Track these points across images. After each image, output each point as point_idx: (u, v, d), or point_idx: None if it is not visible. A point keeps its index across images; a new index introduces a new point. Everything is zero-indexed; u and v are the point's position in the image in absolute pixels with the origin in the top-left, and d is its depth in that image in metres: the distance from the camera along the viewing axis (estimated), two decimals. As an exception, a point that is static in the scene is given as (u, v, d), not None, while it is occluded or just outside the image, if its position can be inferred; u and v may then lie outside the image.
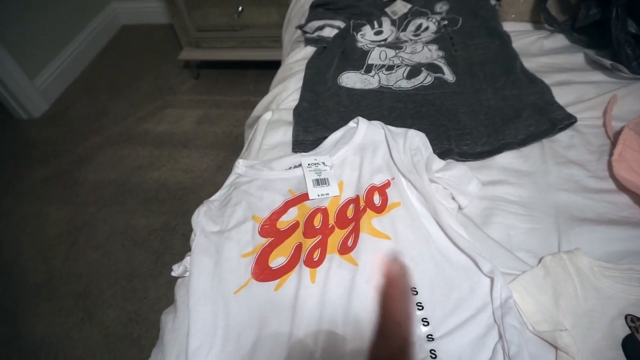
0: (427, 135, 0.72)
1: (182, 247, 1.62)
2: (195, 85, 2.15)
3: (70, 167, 1.87)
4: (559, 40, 0.88)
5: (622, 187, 0.64)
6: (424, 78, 0.83)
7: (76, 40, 2.33)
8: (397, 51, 0.90)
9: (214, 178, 1.72)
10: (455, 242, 0.59)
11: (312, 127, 0.78)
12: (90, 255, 1.55)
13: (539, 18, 0.91)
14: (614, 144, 0.69)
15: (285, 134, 0.80)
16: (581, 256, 0.56)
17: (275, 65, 1.34)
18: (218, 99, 2.04)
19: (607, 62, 0.77)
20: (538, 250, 0.59)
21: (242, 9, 1.83)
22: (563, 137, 0.72)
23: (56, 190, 1.79)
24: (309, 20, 1.04)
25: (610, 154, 0.68)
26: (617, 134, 0.70)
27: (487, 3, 0.96)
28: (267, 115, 0.85)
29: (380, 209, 0.65)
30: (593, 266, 0.56)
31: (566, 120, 0.71)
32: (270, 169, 0.74)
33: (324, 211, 0.66)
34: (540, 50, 0.87)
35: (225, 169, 1.74)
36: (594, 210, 0.62)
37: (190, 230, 0.72)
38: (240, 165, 0.77)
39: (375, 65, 0.88)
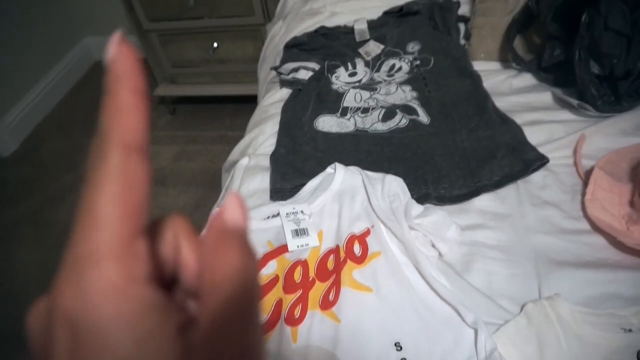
0: (404, 179, 0.72)
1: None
2: (172, 120, 2.13)
3: (42, 207, 1.81)
4: (527, 79, 0.91)
5: (596, 227, 0.65)
6: (399, 120, 0.84)
7: (48, 76, 2.30)
8: (372, 92, 0.91)
9: (191, 217, 1.67)
10: (437, 291, 0.59)
11: (289, 174, 0.77)
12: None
13: (507, 57, 0.93)
14: (585, 183, 0.71)
15: (262, 181, 0.80)
16: (562, 302, 0.56)
17: (252, 99, 1.34)
18: (195, 135, 2.03)
19: (574, 102, 0.79)
20: (519, 296, 0.59)
21: (217, 45, 1.84)
22: (537, 177, 0.73)
23: (27, 232, 1.73)
24: (283, 61, 1.05)
25: (583, 194, 0.69)
26: (588, 172, 0.72)
27: (457, 43, 0.99)
28: (244, 161, 0.85)
29: (360, 260, 0.64)
30: (574, 312, 0.56)
31: (539, 161, 0.72)
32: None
33: (304, 264, 0.65)
34: (510, 89, 0.90)
35: (203, 207, 1.71)
36: (572, 253, 0.63)
37: None
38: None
39: (351, 108, 0.88)
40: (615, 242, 0.62)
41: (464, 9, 1.09)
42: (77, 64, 2.47)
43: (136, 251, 0.15)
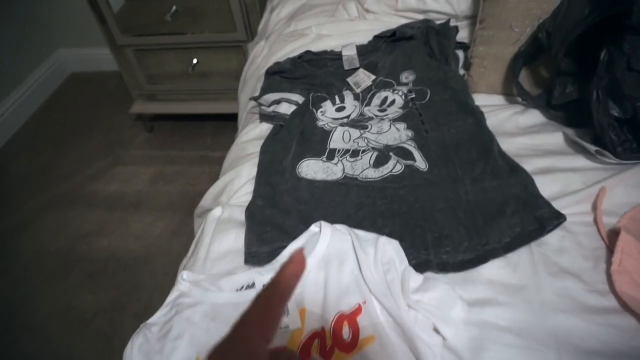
0: (401, 240, 0.62)
1: (133, 329, 1.45)
2: (149, 139, 2.01)
3: (6, 235, 1.68)
4: (535, 116, 0.81)
5: (626, 305, 0.56)
6: (393, 166, 0.74)
7: (19, 90, 2.16)
8: (362, 131, 0.81)
9: (168, 245, 1.57)
10: (442, 393, 0.49)
11: (267, 233, 0.67)
12: (24, 341, 1.36)
13: (512, 91, 0.84)
14: (608, 247, 0.61)
15: (236, 240, 0.69)
16: (593, 409, 0.47)
17: (234, 117, 1.24)
18: (173, 154, 1.91)
19: (592, 148, 0.70)
20: (541, 397, 0.49)
21: (198, 61, 1.73)
22: (552, 238, 0.63)
23: (-12, 263, 1.59)
24: (264, 90, 0.95)
25: (607, 262, 0.60)
26: (611, 233, 0.63)
27: (456, 74, 0.89)
28: (217, 212, 0.74)
29: (350, 347, 0.54)
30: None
31: (555, 220, 0.63)
32: (218, 290, 0.62)
33: (283, 352, 0.54)
34: (517, 128, 0.80)
35: (180, 234, 1.60)
36: (599, 339, 0.53)
37: (143, 307, 0.59)
38: (184, 279, 0.64)
39: (339, 151, 0.78)
40: (650, 326, 0.53)
41: (462, 35, 1.00)
42: (50, 77, 2.34)
43: None
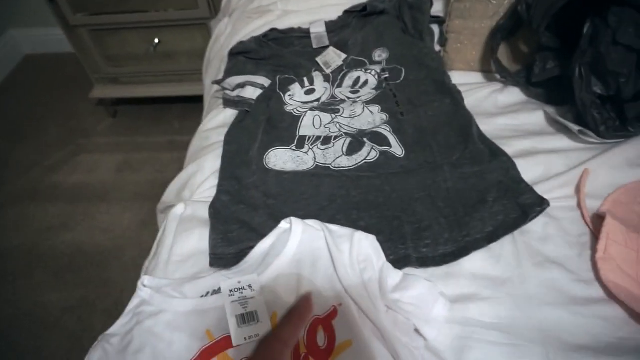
0: (378, 234, 0.58)
1: (103, 327, 1.38)
2: (113, 125, 1.90)
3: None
4: (515, 94, 0.77)
5: (611, 294, 0.53)
6: (368, 153, 0.69)
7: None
8: (334, 115, 0.76)
9: (138, 237, 1.50)
10: (426, 400, 0.45)
11: (233, 232, 0.61)
12: (-13, 349, 1.29)
13: (490, 68, 0.80)
14: (593, 232, 0.59)
15: (200, 240, 0.63)
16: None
17: (202, 99, 1.17)
18: (140, 141, 1.82)
19: (575, 128, 0.66)
20: (529, 398, 0.46)
21: (160, 41, 1.62)
22: (536, 226, 0.60)
23: None
24: (227, 72, 0.88)
25: (592, 249, 0.57)
26: (595, 218, 0.60)
27: (432, 50, 0.84)
28: (179, 209, 0.68)
29: (326, 354, 0.50)
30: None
31: (538, 207, 0.60)
32: (182, 296, 0.57)
33: (254, 364, 0.50)
34: (496, 108, 0.76)
35: (151, 224, 1.52)
36: (587, 332, 0.51)
37: (113, 304, 0.54)
38: (146, 285, 0.59)
39: (309, 138, 0.73)
40: (637, 316, 0.51)
41: (437, 8, 0.94)
42: (2, 59, 2.18)
43: None
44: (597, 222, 0.59)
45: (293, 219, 0.60)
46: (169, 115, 1.89)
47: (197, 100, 1.65)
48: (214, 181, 0.70)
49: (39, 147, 1.84)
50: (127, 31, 1.62)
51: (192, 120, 1.87)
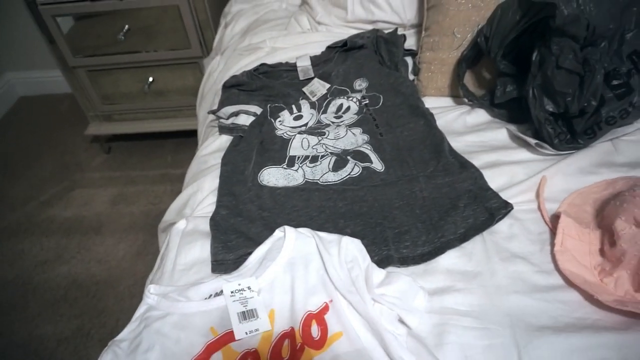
0: (362, 238, 0.65)
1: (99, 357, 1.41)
2: (107, 160, 1.96)
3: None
4: (481, 115, 0.87)
5: (569, 282, 0.60)
6: (352, 169, 0.77)
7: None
8: (320, 138, 0.84)
9: (133, 267, 1.54)
10: (410, 378, 0.51)
11: (232, 241, 0.68)
12: (-17, 381, 1.29)
13: (458, 93, 0.89)
14: (552, 230, 0.66)
15: (202, 250, 0.70)
16: (546, 379, 0.50)
17: (194, 134, 1.24)
18: (133, 175, 1.88)
19: (532, 141, 0.75)
20: (500, 373, 0.53)
21: (154, 79, 1.72)
22: (502, 226, 0.68)
23: None
24: (221, 103, 0.96)
25: (552, 243, 0.64)
26: (554, 218, 0.68)
27: (406, 79, 0.94)
28: (181, 225, 0.74)
29: (319, 344, 0.56)
30: (561, 390, 0.50)
31: (503, 210, 0.67)
32: (187, 299, 0.62)
33: (255, 355, 0.56)
34: (465, 127, 0.85)
35: (145, 254, 1.57)
36: (548, 314, 0.57)
37: (109, 333, 0.58)
38: (152, 293, 0.64)
39: (298, 157, 0.80)
40: (591, 298, 0.58)
41: (410, 42, 1.05)
42: (-2, 101, 2.25)
43: None
44: (554, 221, 0.67)
45: (286, 227, 0.66)
46: (162, 150, 1.96)
47: (188, 135, 1.73)
48: (212, 198, 0.77)
49: (34, 183, 1.89)
50: (121, 70, 1.71)
51: (184, 154, 1.95)
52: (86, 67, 1.70)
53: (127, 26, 1.57)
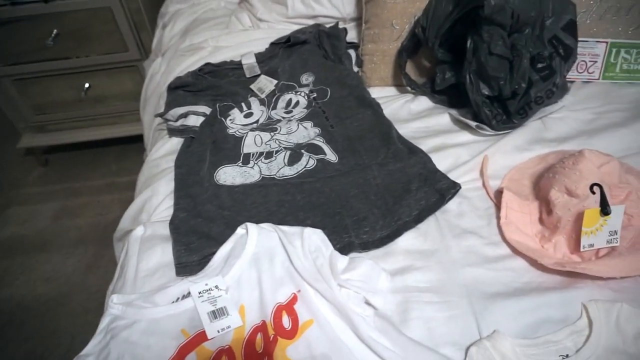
0: (323, 228, 0.67)
1: (56, 379, 1.34)
2: (45, 173, 1.86)
3: None
4: (424, 102, 0.92)
5: (515, 251, 0.66)
6: (307, 162, 0.79)
7: None
8: (273, 133, 0.85)
9: (84, 282, 1.47)
10: (380, 355, 0.54)
11: (194, 243, 0.68)
12: None
13: (401, 82, 0.93)
14: (497, 205, 0.72)
15: (163, 254, 0.69)
16: (502, 339, 0.55)
17: (138, 139, 1.20)
18: (76, 186, 1.79)
19: (473, 124, 0.81)
20: (461, 340, 0.57)
21: (90, 85, 1.64)
22: (452, 205, 0.72)
23: None
24: (168, 106, 0.94)
25: (498, 217, 0.70)
26: (497, 193, 0.73)
27: (351, 71, 0.97)
28: (138, 231, 0.73)
29: (292, 334, 0.57)
30: (515, 347, 0.55)
31: (452, 189, 0.72)
32: (154, 305, 0.62)
33: (229, 351, 0.56)
34: (410, 114, 0.90)
35: (97, 267, 1.50)
36: (499, 282, 0.62)
37: (65, 352, 0.57)
38: (115, 302, 0.63)
39: (253, 154, 0.81)
40: (535, 263, 0.63)
41: (352, 35, 1.08)
42: None
43: None
44: (498, 197, 0.72)
45: (248, 224, 0.67)
46: (105, 159, 1.88)
47: (132, 141, 1.68)
48: (169, 202, 0.76)
49: (-37, 205, 1.75)
50: (53, 78, 1.61)
51: (129, 160, 1.89)
52: (11, 76, 1.59)
53: (55, 30, 1.49)
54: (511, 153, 0.79)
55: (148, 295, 0.63)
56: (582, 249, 0.62)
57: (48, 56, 1.53)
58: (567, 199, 0.64)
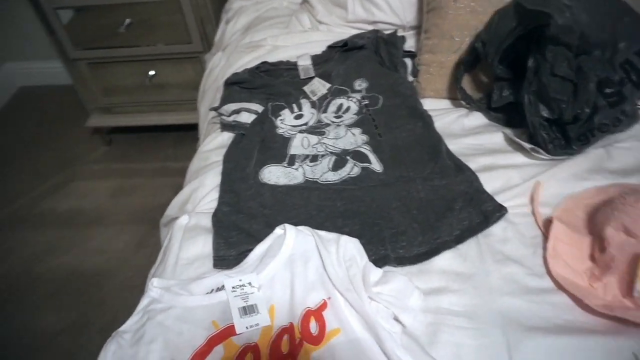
0: (360, 238, 0.67)
1: (99, 346, 1.42)
2: (108, 152, 1.97)
3: None
4: (478, 118, 0.89)
5: (560, 285, 0.62)
6: (351, 169, 0.79)
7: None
8: (320, 137, 0.86)
9: (133, 258, 1.55)
10: (404, 374, 0.53)
11: (234, 238, 0.70)
12: (-17, 368, 1.31)
13: (456, 95, 0.91)
14: (545, 235, 0.68)
15: (204, 245, 0.71)
16: (534, 377, 0.53)
17: (194, 127, 1.26)
18: (134, 167, 1.89)
19: (527, 146, 0.77)
20: (490, 371, 0.55)
21: (155, 73, 1.72)
22: (497, 229, 0.70)
23: None
24: (223, 101, 0.97)
25: (544, 247, 0.66)
26: (547, 222, 0.70)
27: (406, 80, 0.95)
28: (183, 220, 0.76)
29: (318, 340, 0.58)
30: (547, 387, 0.52)
31: (498, 213, 0.69)
32: (189, 293, 0.64)
33: (255, 348, 0.58)
34: (462, 130, 0.87)
35: (145, 246, 1.58)
36: (538, 316, 0.59)
37: (108, 323, 0.60)
38: (155, 286, 0.66)
39: (299, 156, 0.82)
40: (580, 302, 0.60)
41: (410, 43, 1.06)
42: (-3, 91, 2.25)
43: None
44: (547, 226, 0.68)
45: (287, 225, 0.68)
46: (162, 143, 1.97)
47: (189, 129, 1.74)
48: (214, 195, 0.79)
49: (34, 175, 1.89)
50: (123, 64, 1.71)
51: (184, 147, 1.96)
52: (87, 60, 1.70)
53: (128, 19, 1.58)
54: (567, 181, 0.75)
55: (185, 283, 0.66)
56: (635, 294, 0.58)
57: (119, 43, 1.63)
58: (625, 238, 0.60)
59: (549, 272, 0.64)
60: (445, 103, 0.95)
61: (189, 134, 1.86)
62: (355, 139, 0.85)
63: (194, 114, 1.57)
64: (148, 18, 1.58)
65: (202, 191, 0.81)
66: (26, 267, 1.56)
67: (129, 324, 0.64)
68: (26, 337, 1.37)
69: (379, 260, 0.66)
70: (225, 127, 0.93)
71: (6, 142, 2.07)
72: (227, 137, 0.92)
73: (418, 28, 1.07)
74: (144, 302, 0.66)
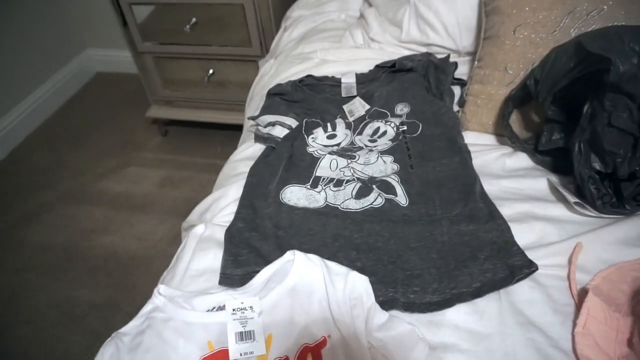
0: (371, 276, 0.63)
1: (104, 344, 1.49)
2: (162, 142, 2.06)
3: (14, 225, 1.74)
4: (522, 159, 0.82)
5: (586, 366, 0.55)
6: (374, 199, 0.75)
7: (46, 85, 2.25)
8: (350, 161, 0.83)
9: (167, 249, 1.60)
10: None
11: (243, 256, 0.69)
12: (20, 330, 1.40)
13: (502, 132, 0.85)
14: (577, 305, 0.61)
15: (215, 258, 0.71)
16: None
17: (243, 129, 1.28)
18: (183, 160, 1.95)
19: (572, 199, 0.70)
20: None
21: (214, 72, 1.77)
22: (523, 288, 0.63)
23: (-6, 251, 1.65)
24: (263, 111, 0.97)
25: (575, 320, 0.59)
26: (582, 292, 0.62)
27: (450, 110, 0.90)
28: (199, 229, 0.76)
29: (312, 379, 0.55)
30: None
31: (526, 269, 0.63)
32: (191, 308, 0.64)
33: (244, 377, 0.56)
34: (503, 170, 0.80)
35: (180, 241, 1.62)
36: (554, 396, 0.53)
37: (136, 308, 0.64)
38: (161, 293, 0.67)
39: (323, 179, 0.80)
40: (606, 389, 0.53)
41: (463, 70, 1.00)
42: (77, 75, 2.42)
43: None
44: (582, 297, 0.60)
45: (297, 252, 0.66)
46: (213, 140, 2.02)
47: (239, 129, 1.77)
48: (234, 207, 0.78)
49: (94, 155, 2.02)
50: (185, 60, 1.78)
51: (233, 147, 1.99)
52: (153, 53, 1.78)
53: (194, 19, 1.63)
54: (614, 245, 0.66)
55: (189, 297, 0.66)
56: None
57: (184, 40, 1.69)
58: (672, 324, 0.52)
59: (574, 350, 0.57)
60: (490, 139, 0.88)
61: (238, 133, 1.88)
62: (385, 167, 0.81)
63: (244, 115, 1.60)
64: (213, 19, 1.63)
65: (223, 201, 0.81)
66: (73, 242, 1.66)
67: (130, 327, 0.65)
68: (61, 309, 1.45)
69: (386, 302, 0.62)
70: (259, 138, 0.93)
71: (79, 122, 2.22)
72: (258, 148, 0.92)
73: (474, 54, 1.01)
74: (147, 307, 0.66)
